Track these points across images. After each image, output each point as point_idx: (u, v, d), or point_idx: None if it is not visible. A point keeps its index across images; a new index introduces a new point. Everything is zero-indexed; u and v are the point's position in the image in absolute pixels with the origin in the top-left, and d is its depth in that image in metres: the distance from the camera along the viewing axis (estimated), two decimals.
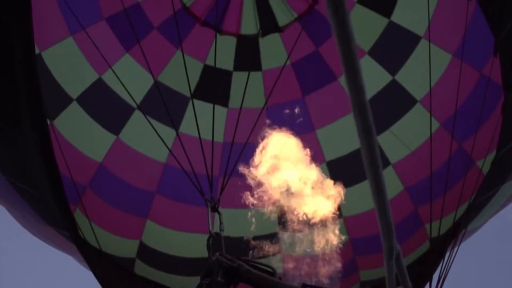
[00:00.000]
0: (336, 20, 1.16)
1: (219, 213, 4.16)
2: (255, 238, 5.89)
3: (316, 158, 5.80)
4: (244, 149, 4.81)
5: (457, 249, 5.49)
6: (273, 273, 3.74)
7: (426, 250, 5.93)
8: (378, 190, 1.68)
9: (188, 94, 6.11)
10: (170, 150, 5.11)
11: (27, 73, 4.89)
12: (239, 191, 5.47)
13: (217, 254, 3.72)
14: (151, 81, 5.98)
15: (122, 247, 6.02)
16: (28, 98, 4.93)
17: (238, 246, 5.96)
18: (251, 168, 4.77)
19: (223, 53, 6.03)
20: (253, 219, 5.69)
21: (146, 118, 5.16)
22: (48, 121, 5.48)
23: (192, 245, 6.15)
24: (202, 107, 5.97)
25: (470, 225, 5.62)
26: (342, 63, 1.27)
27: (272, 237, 5.82)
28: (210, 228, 4.01)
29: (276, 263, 5.75)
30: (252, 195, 5.28)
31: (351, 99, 1.36)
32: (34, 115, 4.90)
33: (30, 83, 4.94)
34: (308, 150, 4.94)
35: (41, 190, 5.04)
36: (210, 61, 6.28)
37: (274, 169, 4.81)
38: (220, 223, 4.08)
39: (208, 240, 3.98)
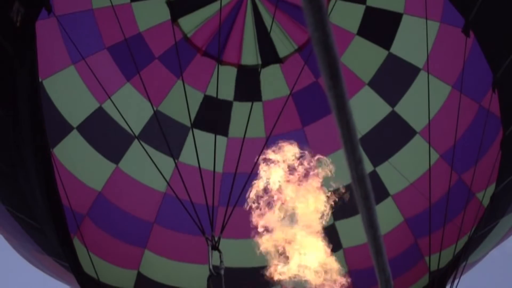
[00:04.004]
0: (337, 105, 1.19)
1: (219, 252, 4.13)
2: (255, 269, 5.87)
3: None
4: (246, 182, 4.81)
5: (458, 282, 5.46)
6: None
7: (426, 283, 5.90)
8: (378, 251, 1.70)
9: (188, 124, 6.13)
10: (168, 184, 5.11)
11: (30, 103, 4.91)
12: (240, 222, 5.46)
13: None
14: (152, 110, 6.00)
15: (119, 277, 5.98)
16: (30, 128, 4.94)
17: (238, 277, 5.93)
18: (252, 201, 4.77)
19: (224, 83, 6.07)
20: (253, 250, 5.66)
21: (145, 150, 5.17)
22: None
23: (190, 275, 6.11)
24: (202, 137, 5.99)
25: (470, 258, 5.59)
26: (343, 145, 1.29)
27: (272, 269, 5.78)
28: (211, 267, 3.99)
29: None
30: (252, 226, 5.26)
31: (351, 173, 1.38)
32: (36, 145, 4.90)
33: (33, 112, 4.95)
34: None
35: (40, 221, 5.03)
36: (210, 91, 6.32)
37: (275, 201, 4.81)
38: (221, 261, 4.06)
39: (208, 279, 3.95)
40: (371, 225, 1.72)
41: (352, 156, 1.40)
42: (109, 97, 5.41)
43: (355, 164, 1.42)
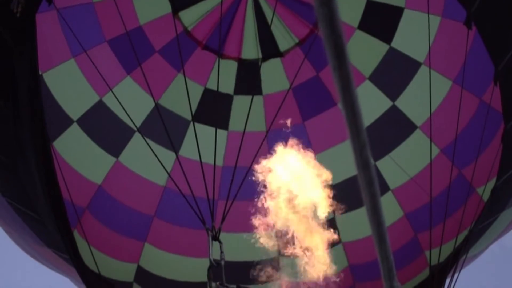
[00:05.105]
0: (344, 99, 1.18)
1: (220, 242, 4.13)
2: (255, 263, 5.86)
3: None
4: (246, 175, 4.81)
5: (458, 276, 5.46)
6: None
7: (425, 277, 5.90)
8: (381, 238, 1.69)
9: (189, 117, 6.12)
10: (169, 175, 5.10)
11: (30, 96, 4.89)
12: (239, 215, 5.46)
13: (217, 283, 3.69)
14: (152, 104, 5.99)
15: (119, 270, 5.98)
16: (31, 121, 4.93)
17: (237, 271, 5.93)
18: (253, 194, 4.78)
19: (224, 77, 6.05)
20: (253, 244, 5.67)
21: (146, 142, 5.15)
22: None
23: (190, 269, 6.11)
24: (202, 130, 5.98)
25: (470, 251, 5.59)
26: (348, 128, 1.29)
27: (272, 263, 5.78)
28: (211, 257, 3.99)
29: None
30: (253, 220, 5.26)
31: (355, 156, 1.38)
32: (36, 138, 4.89)
33: (33, 105, 4.94)
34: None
35: (41, 213, 5.02)
36: (210, 85, 6.31)
37: (276, 195, 4.82)
38: (221, 252, 4.06)
39: (208, 269, 3.95)
40: (375, 211, 1.71)
41: (357, 139, 1.39)
42: (111, 89, 5.39)
43: (359, 148, 1.40)
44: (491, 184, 5.56)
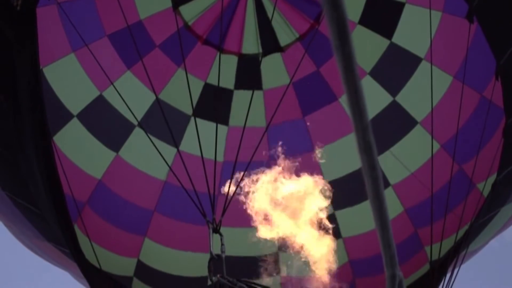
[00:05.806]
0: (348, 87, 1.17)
1: (220, 235, 4.13)
2: (255, 258, 5.86)
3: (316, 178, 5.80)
4: (246, 170, 4.80)
5: (458, 272, 5.45)
6: None
7: (426, 272, 5.90)
8: (383, 225, 1.68)
9: (189, 112, 6.12)
10: (170, 168, 5.10)
11: (31, 91, 4.89)
12: (240, 210, 5.46)
13: (218, 276, 3.68)
14: (152, 99, 5.98)
15: (119, 265, 5.97)
16: (31, 116, 4.92)
17: (238, 266, 5.92)
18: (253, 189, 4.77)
19: (224, 72, 6.05)
20: (253, 239, 5.67)
21: (147, 135, 5.15)
22: None
23: (190, 263, 6.11)
24: (202, 125, 5.97)
25: (470, 246, 5.59)
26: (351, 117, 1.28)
27: (272, 258, 5.78)
28: (212, 249, 3.98)
29: (275, 285, 5.71)
30: (253, 215, 5.26)
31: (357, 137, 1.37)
32: (37, 132, 4.88)
33: (33, 100, 4.93)
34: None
35: (41, 207, 5.01)
36: (210, 80, 6.30)
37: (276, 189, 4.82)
38: (222, 244, 4.05)
39: (209, 261, 3.94)
40: (377, 197, 1.70)
41: (359, 121, 1.38)
42: (112, 84, 5.39)
43: (362, 130, 1.39)
44: (492, 179, 5.56)
